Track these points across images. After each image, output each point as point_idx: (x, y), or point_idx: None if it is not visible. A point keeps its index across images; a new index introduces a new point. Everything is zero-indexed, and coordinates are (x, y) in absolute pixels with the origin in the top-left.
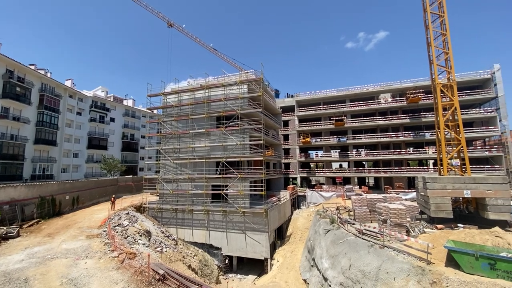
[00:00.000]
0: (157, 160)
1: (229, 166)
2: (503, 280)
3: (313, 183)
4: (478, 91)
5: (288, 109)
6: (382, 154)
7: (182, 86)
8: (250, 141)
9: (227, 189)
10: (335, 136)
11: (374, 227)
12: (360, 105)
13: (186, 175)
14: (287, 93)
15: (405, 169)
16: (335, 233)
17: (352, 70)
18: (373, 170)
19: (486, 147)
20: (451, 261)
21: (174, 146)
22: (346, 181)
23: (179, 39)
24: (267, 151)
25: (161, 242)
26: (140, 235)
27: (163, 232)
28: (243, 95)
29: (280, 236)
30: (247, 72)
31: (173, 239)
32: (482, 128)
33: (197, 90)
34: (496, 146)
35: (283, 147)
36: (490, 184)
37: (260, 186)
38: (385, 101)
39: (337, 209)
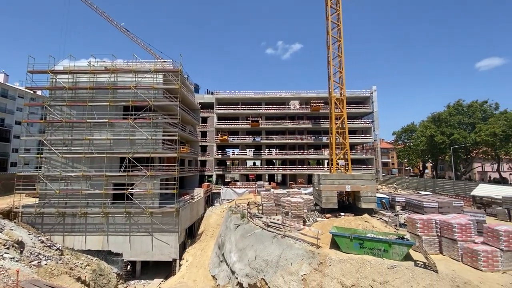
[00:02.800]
0: (38, 154)
1: (137, 163)
2: (367, 255)
3: (227, 180)
4: (361, 106)
5: (208, 106)
6: (289, 154)
7: (80, 66)
8: (163, 136)
9: (132, 188)
10: (251, 136)
11: (278, 219)
12: (274, 109)
13: (80, 172)
14: (207, 90)
15: (307, 167)
16: (244, 227)
17: (270, 75)
18: (281, 168)
19: (364, 151)
20: (334, 244)
21: (65, 137)
22: (258, 178)
23: (82, 12)
24: (183, 148)
25: (39, 254)
26: (8, 248)
27: (43, 242)
28: (158, 85)
29: (191, 234)
30: (164, 61)
31: (58, 248)
32: (362, 135)
33: (101, 73)
34: (370, 151)
35: (200, 144)
36: (363, 180)
37: (173, 184)
38: (294, 107)
39: (248, 204)
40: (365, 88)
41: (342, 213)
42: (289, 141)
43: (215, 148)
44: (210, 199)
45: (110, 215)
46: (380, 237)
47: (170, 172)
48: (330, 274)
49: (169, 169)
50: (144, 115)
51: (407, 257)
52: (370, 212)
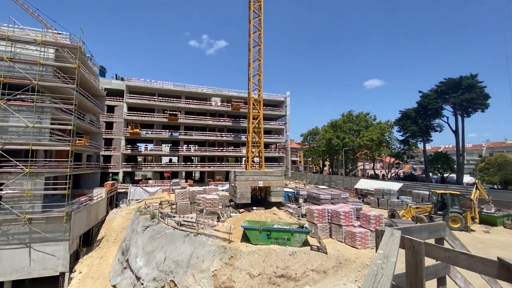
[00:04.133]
0: None
1: (9, 157)
2: (274, 245)
3: (138, 178)
4: (276, 109)
5: (116, 93)
6: (208, 151)
7: None
8: (53, 124)
9: (1, 189)
10: (167, 130)
11: (192, 217)
12: (195, 104)
13: None
14: (116, 75)
15: (225, 164)
16: (154, 229)
17: (192, 68)
18: (200, 165)
19: (276, 150)
20: (245, 237)
21: None
22: (174, 175)
23: None
24: (80, 140)
25: None
26: None
27: None
28: (47, 62)
29: (88, 241)
30: (59, 33)
31: None
32: (276, 136)
33: None
34: (282, 150)
35: (104, 137)
36: (274, 176)
37: (64, 183)
38: (215, 104)
39: (160, 204)
40: (280, 93)
41: (254, 208)
42: (209, 138)
43: (123, 142)
44: (114, 200)
45: None
46: (285, 227)
47: (60, 169)
48: (240, 266)
49: (59, 165)
50: (23, 96)
51: (306, 243)
52: (279, 205)
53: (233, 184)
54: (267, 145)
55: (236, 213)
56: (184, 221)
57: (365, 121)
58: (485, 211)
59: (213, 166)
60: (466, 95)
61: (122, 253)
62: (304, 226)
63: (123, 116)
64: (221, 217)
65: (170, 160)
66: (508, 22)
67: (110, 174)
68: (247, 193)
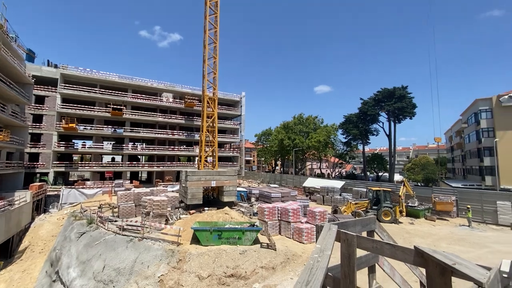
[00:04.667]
0: None
1: None
2: (225, 245)
3: (73, 179)
4: (232, 108)
5: (48, 82)
6: (158, 150)
7: None
8: None
9: None
10: (110, 126)
11: (137, 221)
12: (143, 98)
13: None
14: (48, 61)
15: (176, 164)
16: (91, 235)
17: (142, 60)
18: (148, 165)
19: (231, 149)
20: (195, 239)
21: None
22: (118, 176)
23: None
24: None
25: None
26: None
27: None
28: None
29: (7, 254)
30: None
31: None
32: (230, 135)
33: None
34: (237, 149)
35: (31, 131)
36: (227, 176)
37: None
38: (167, 100)
39: (100, 207)
40: (236, 92)
41: (206, 208)
42: (159, 135)
43: (55, 138)
44: (42, 204)
45: None
46: (236, 226)
47: None
48: (189, 269)
49: None
50: None
51: (256, 241)
52: (231, 204)
53: (184, 185)
54: (221, 145)
55: (186, 214)
56: (127, 225)
57: (314, 123)
58: (410, 205)
59: (163, 166)
60: (398, 104)
61: (51, 264)
62: (255, 224)
63: (55, 108)
64: (170, 219)
65: (113, 159)
66: (433, 45)
67: (38, 175)
68: (198, 194)
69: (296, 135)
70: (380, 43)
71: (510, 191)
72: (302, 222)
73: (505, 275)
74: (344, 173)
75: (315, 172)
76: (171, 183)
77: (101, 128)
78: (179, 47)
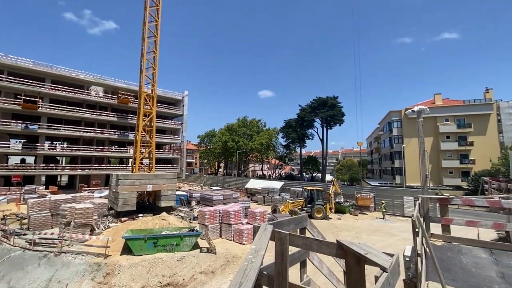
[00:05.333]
0: None
1: None
2: (161, 253)
3: None
4: (173, 107)
5: None
6: (83, 150)
7: None
8: None
9: None
10: (21, 122)
11: (53, 233)
12: (66, 91)
13: None
14: None
15: (106, 166)
16: None
17: (67, 47)
18: (69, 167)
19: (171, 151)
20: (127, 249)
21: None
22: (29, 180)
23: None
24: None
25: None
26: None
27: None
28: None
29: None
30: None
31: None
32: (170, 136)
33: None
34: (177, 151)
35: None
36: (166, 179)
37: None
38: (96, 94)
39: (3, 218)
40: (177, 90)
41: (140, 215)
42: (85, 134)
43: None
44: None
45: None
46: (174, 232)
47: None
48: (118, 283)
49: None
50: None
51: (196, 246)
52: (169, 209)
53: (114, 190)
54: (160, 145)
55: (117, 222)
56: (40, 238)
57: (257, 126)
58: (337, 202)
59: (89, 169)
60: (330, 112)
61: None
62: (195, 229)
63: None
64: (96, 229)
65: (23, 161)
66: (358, 63)
67: None
68: (131, 199)
69: (240, 137)
70: (316, 55)
71: (413, 188)
72: (243, 223)
73: (407, 259)
74: (283, 174)
75: (257, 174)
76: (99, 188)
77: (8, 124)
78: (114, 37)
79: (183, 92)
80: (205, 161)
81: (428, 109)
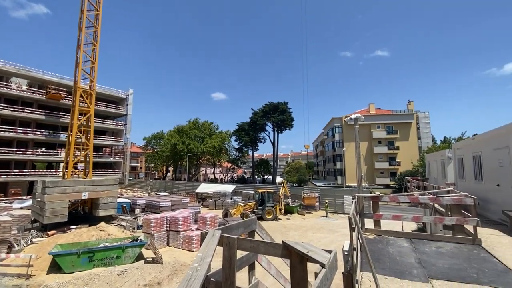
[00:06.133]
0: None
1: None
2: (98, 268)
3: None
4: (115, 106)
5: None
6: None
7: None
8: None
9: None
10: None
11: None
12: None
13: None
14: None
15: (29, 172)
16: None
17: None
18: None
19: (112, 154)
20: (55, 266)
21: None
22: None
23: None
24: None
25: None
26: None
27: None
28: None
29: None
30: None
31: None
32: (112, 137)
33: None
34: (119, 154)
35: None
36: (105, 186)
37: None
38: (18, 87)
39: None
40: (122, 88)
41: (73, 226)
42: (2, 134)
43: None
44: None
45: None
46: (114, 244)
47: None
48: None
49: None
50: None
51: (140, 257)
52: (109, 219)
53: (40, 199)
54: (99, 148)
55: (42, 237)
56: None
57: (210, 129)
58: (285, 202)
59: (6, 175)
60: (280, 117)
61: None
62: (139, 238)
63: None
64: (16, 246)
65: None
66: (306, 71)
67: None
68: (62, 209)
69: (190, 140)
70: (270, 62)
71: (352, 187)
72: (192, 230)
73: (346, 253)
74: (236, 177)
75: (209, 178)
76: (19, 197)
77: None
78: (45, 24)
79: (128, 90)
80: (152, 165)
81: (363, 117)
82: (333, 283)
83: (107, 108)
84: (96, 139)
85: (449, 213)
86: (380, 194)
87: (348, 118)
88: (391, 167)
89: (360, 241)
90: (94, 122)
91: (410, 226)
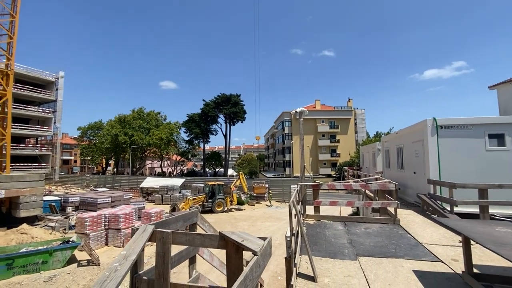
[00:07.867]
0: None
1: None
2: (19, 275)
3: None
4: (41, 91)
5: None
6: None
7: None
8: None
9: None
10: None
11: None
12: None
13: None
14: None
15: None
16: None
17: None
18: None
19: (38, 145)
20: None
21: None
22: None
23: None
24: None
25: None
26: None
27: None
28: None
29: None
30: None
31: None
32: (37, 126)
33: None
34: (47, 146)
35: None
36: (27, 182)
37: None
38: None
39: None
40: (50, 70)
41: None
42: None
43: None
44: None
45: None
46: (39, 248)
47: None
48: None
49: None
50: None
51: (72, 261)
52: (33, 220)
53: None
54: (20, 139)
55: None
56: None
57: (156, 120)
58: (238, 193)
59: None
60: (233, 109)
61: None
62: (71, 240)
63: None
64: None
65: None
66: (258, 66)
67: None
68: None
69: (134, 130)
70: (223, 54)
71: (298, 178)
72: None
73: (288, 239)
74: (185, 171)
75: (155, 171)
76: None
77: None
78: None
79: (57, 73)
80: (89, 158)
81: (307, 111)
82: (280, 268)
83: (30, 92)
84: (16, 128)
85: (377, 198)
86: (320, 183)
87: (293, 111)
88: (333, 158)
89: (299, 227)
90: (14, 108)
91: (347, 211)
